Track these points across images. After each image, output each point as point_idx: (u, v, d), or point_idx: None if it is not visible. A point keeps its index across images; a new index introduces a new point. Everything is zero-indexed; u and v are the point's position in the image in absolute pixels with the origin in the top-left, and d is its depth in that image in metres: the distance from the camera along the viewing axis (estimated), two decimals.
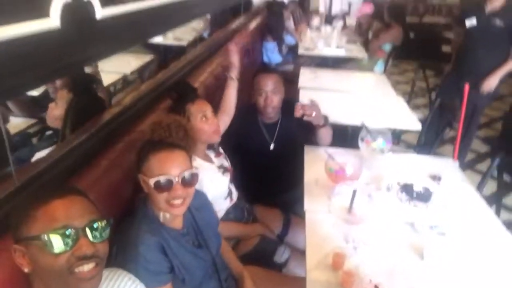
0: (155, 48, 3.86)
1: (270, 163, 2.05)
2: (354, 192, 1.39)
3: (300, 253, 1.69)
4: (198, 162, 1.59)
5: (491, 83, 3.13)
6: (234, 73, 2.03)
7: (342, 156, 1.73)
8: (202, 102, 1.66)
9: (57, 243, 0.79)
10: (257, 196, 1.98)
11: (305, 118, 1.86)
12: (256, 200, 1.97)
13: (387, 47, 4.53)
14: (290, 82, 3.08)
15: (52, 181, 1.20)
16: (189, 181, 1.19)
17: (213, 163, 1.72)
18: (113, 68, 2.96)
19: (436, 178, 1.85)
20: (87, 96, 1.67)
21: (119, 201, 1.31)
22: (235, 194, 1.81)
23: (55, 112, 1.62)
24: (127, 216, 1.27)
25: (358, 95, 3.05)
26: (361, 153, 1.89)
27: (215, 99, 2.39)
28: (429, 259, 1.32)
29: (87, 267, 0.82)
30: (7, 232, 0.92)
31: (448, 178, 1.85)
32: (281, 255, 1.70)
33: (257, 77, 2.09)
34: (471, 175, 3.41)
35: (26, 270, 0.81)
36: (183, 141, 1.23)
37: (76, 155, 1.35)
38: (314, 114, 1.85)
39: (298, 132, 2.08)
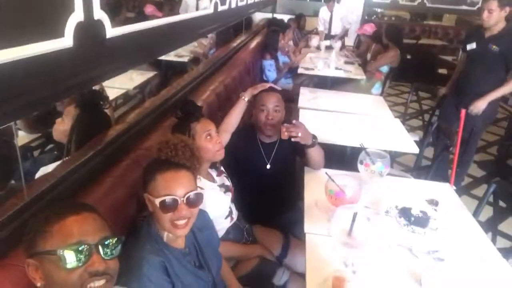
0: (156, 64, 3.91)
1: (267, 183, 2.06)
2: (355, 215, 1.41)
3: (299, 276, 1.70)
4: (202, 182, 1.61)
5: (479, 105, 3.23)
6: (248, 96, 2.05)
7: (341, 178, 1.76)
8: (206, 121, 1.68)
9: (71, 258, 0.81)
10: (256, 216, 1.99)
11: (292, 139, 1.86)
12: (255, 221, 1.98)
13: (385, 69, 4.61)
14: (289, 101, 3.13)
15: (60, 197, 1.21)
16: (194, 201, 1.21)
17: (215, 182, 1.74)
18: (116, 84, 2.99)
19: (433, 202, 1.88)
20: (94, 113, 1.69)
21: (123, 219, 1.32)
22: (235, 213, 1.82)
23: (61, 127, 1.63)
24: (130, 234, 1.28)
25: (356, 116, 3.10)
26: (360, 176, 1.92)
27: (216, 117, 2.43)
28: (427, 286, 1.33)
29: (98, 283, 0.84)
30: (19, 246, 0.94)
31: (445, 203, 1.88)
32: (280, 277, 1.70)
33: (260, 94, 2.12)
34: (467, 200, 3.44)
35: (38, 284, 0.82)
36: (189, 161, 1.25)
37: (82, 172, 1.37)
38: (300, 134, 1.85)
39: (295, 153, 2.11)
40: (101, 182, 1.35)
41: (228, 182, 1.83)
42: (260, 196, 2.02)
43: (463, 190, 3.64)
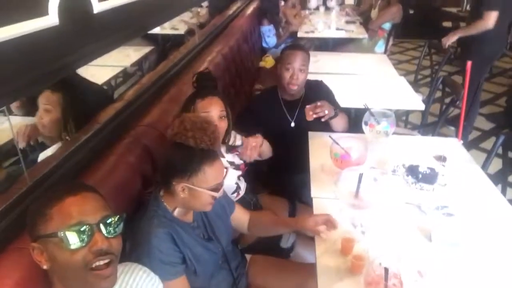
0: (153, 39, 3.83)
1: (290, 142, 2.02)
2: (361, 176, 1.40)
3: (307, 238, 1.70)
4: None
5: (449, 37, 3.43)
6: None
7: (346, 140, 1.73)
8: (212, 101, 1.60)
9: (73, 239, 0.81)
10: (265, 183, 1.98)
11: (322, 119, 1.86)
12: (263, 189, 1.98)
13: (387, 26, 4.47)
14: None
15: (62, 179, 1.21)
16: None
17: (223, 157, 1.73)
18: (113, 62, 2.94)
19: (441, 158, 1.85)
20: (78, 88, 1.63)
21: (128, 196, 1.32)
22: (243, 188, 1.82)
23: (48, 119, 1.48)
24: (136, 211, 1.28)
25: (360, 77, 3.03)
26: (365, 137, 1.89)
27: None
28: (437, 241, 1.33)
29: (103, 261, 0.84)
30: (24, 230, 0.95)
31: (453, 158, 1.85)
32: (287, 240, 1.72)
33: (286, 51, 2.08)
34: (475, 154, 3.41)
35: (44, 267, 0.83)
36: (219, 146, 1.26)
37: (84, 152, 1.36)
38: (326, 112, 1.84)
39: None
40: (104, 161, 1.34)
41: (239, 161, 1.82)
42: (279, 158, 1.99)
43: (471, 144, 3.60)
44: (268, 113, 2.08)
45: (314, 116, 1.83)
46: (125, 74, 3.33)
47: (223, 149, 1.77)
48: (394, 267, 1.07)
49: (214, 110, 1.59)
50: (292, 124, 2.11)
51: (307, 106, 1.86)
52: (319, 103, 1.85)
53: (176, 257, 1.20)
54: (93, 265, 0.83)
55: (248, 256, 1.62)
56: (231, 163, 1.76)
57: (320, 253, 1.31)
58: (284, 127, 2.11)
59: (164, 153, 1.23)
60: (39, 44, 1.12)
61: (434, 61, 3.96)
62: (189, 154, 1.17)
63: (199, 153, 1.17)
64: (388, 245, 1.34)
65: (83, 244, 0.82)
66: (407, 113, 3.65)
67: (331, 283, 1.20)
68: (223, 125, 1.62)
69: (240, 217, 1.50)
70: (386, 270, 1.00)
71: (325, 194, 1.59)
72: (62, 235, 0.80)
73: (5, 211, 1.00)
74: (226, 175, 1.27)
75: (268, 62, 4.14)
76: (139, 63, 3.53)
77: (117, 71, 3.04)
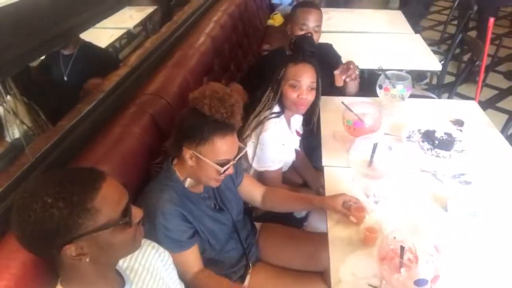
0: None
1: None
2: (375, 145, 1.34)
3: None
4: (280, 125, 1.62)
5: None
6: None
7: (359, 106, 1.65)
8: (303, 68, 1.54)
9: (127, 219, 0.80)
10: None
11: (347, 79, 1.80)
12: None
13: None
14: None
15: (65, 153, 1.18)
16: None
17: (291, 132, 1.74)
18: (116, 24, 2.83)
19: (458, 123, 1.78)
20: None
21: (135, 168, 1.28)
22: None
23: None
24: (144, 183, 1.25)
25: (373, 36, 2.88)
26: (379, 101, 1.81)
27: (223, 51, 2.30)
28: (454, 211, 1.29)
29: (142, 229, 0.90)
30: None
31: (471, 122, 1.77)
32: (301, 210, 1.69)
33: (300, 10, 1.97)
34: (492, 113, 3.29)
35: (87, 260, 0.78)
36: (239, 123, 1.18)
37: (87, 124, 1.32)
38: (357, 72, 1.79)
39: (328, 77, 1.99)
40: (108, 133, 1.29)
41: (298, 147, 1.81)
42: None
43: (487, 104, 3.48)
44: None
45: (348, 79, 1.75)
46: (129, 36, 3.23)
47: (300, 121, 1.76)
48: (409, 241, 1.04)
49: (305, 79, 1.53)
50: None
51: (336, 71, 1.78)
52: (350, 65, 1.77)
53: (184, 233, 1.19)
54: (138, 237, 0.87)
55: (258, 225, 1.60)
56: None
57: (332, 224, 1.29)
58: None
59: (179, 115, 1.20)
60: (38, 10, 1.05)
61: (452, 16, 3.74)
62: (201, 121, 1.13)
63: (212, 123, 1.13)
64: (401, 216, 1.30)
65: (131, 221, 0.82)
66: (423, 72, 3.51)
67: (343, 254, 1.18)
68: (310, 97, 1.57)
69: (250, 189, 1.46)
70: (402, 248, 0.96)
71: (337, 162, 1.54)
72: (118, 221, 0.79)
73: (8, 189, 0.97)
74: (240, 155, 1.22)
75: (276, 19, 3.96)
76: (143, 24, 3.41)
77: (121, 33, 2.94)
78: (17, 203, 0.75)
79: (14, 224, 0.75)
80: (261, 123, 1.57)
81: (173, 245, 1.15)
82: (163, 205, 1.14)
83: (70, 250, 0.75)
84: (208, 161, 1.14)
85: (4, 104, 1.20)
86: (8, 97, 1.41)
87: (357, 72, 1.80)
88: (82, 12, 1.24)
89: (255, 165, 1.60)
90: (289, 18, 2.03)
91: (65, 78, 1.73)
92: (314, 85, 1.57)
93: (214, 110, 1.11)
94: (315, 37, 1.91)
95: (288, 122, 1.71)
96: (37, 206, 0.72)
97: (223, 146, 1.14)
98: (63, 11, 1.18)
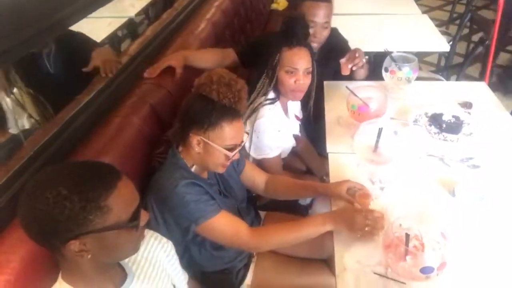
0: None
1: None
2: (380, 130, 1.30)
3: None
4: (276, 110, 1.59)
5: None
6: None
7: (364, 90, 1.61)
8: (302, 53, 1.49)
9: (136, 223, 0.79)
10: None
11: (354, 68, 1.73)
12: None
13: None
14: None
15: (65, 145, 1.17)
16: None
17: (288, 117, 1.71)
18: (117, 13, 2.81)
19: (466, 105, 1.73)
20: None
21: (136, 158, 1.28)
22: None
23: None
24: (146, 174, 1.24)
25: (379, 17, 2.81)
26: (385, 84, 1.77)
27: (224, 37, 2.26)
28: (461, 196, 1.26)
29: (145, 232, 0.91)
30: None
31: (480, 104, 1.73)
32: (305, 197, 1.68)
33: (307, 4, 1.79)
34: (501, 97, 3.21)
35: (89, 257, 0.77)
36: (244, 108, 1.20)
37: (87, 114, 1.30)
38: (364, 60, 1.73)
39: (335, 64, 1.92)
40: (108, 124, 1.28)
41: (298, 132, 1.78)
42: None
43: (496, 86, 3.39)
44: None
45: (354, 68, 1.70)
46: (130, 25, 3.19)
47: (298, 106, 1.72)
48: (415, 228, 1.02)
49: (301, 64, 1.50)
50: None
51: (343, 60, 1.72)
52: (356, 54, 1.70)
53: (208, 196, 1.17)
54: (139, 237, 0.86)
55: (262, 214, 1.59)
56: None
57: None
58: None
59: (185, 102, 1.18)
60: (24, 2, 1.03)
61: None
62: (210, 106, 1.13)
63: (220, 108, 1.13)
64: (408, 202, 1.27)
65: (138, 224, 0.81)
66: (430, 53, 3.43)
67: (347, 242, 1.16)
68: (307, 81, 1.54)
69: (253, 176, 1.45)
70: (407, 236, 0.94)
71: (342, 148, 1.52)
72: (128, 223, 0.77)
73: (8, 182, 0.96)
74: (246, 140, 1.23)
75: (280, 3, 3.89)
76: (145, 12, 3.37)
77: (122, 22, 2.91)
78: (29, 188, 0.73)
79: (22, 209, 0.73)
80: (255, 110, 1.54)
81: (206, 210, 1.14)
82: (177, 181, 1.13)
83: (74, 245, 0.74)
84: (217, 146, 1.15)
85: (12, 95, 1.18)
86: (15, 89, 1.40)
87: (364, 60, 1.73)
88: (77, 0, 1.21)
89: (252, 153, 1.58)
90: (295, 6, 1.90)
91: (51, 71, 1.70)
92: (310, 69, 1.53)
93: (222, 95, 1.11)
94: (324, 33, 1.83)
95: (285, 108, 1.68)
96: (50, 195, 0.70)
97: (231, 131, 1.15)
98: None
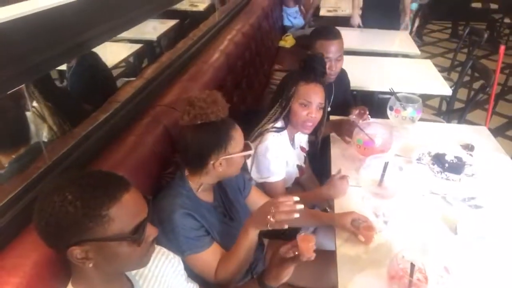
0: (170, 15, 3.76)
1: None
2: (386, 164, 1.35)
3: (328, 225, 1.67)
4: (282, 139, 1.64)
5: None
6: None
7: (370, 126, 1.67)
8: (317, 89, 1.57)
9: (140, 236, 0.79)
10: None
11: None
12: None
13: (414, 6, 4.29)
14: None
15: (81, 158, 1.20)
16: None
17: (294, 148, 1.75)
18: (138, 35, 2.92)
19: (468, 147, 1.78)
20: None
21: (147, 177, 1.29)
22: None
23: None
24: (155, 193, 1.26)
25: (384, 59, 2.93)
26: (390, 122, 1.83)
27: (236, 68, 2.34)
28: (463, 234, 1.28)
29: (154, 247, 0.90)
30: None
31: (481, 147, 1.78)
32: (308, 227, 1.69)
33: (320, 41, 1.95)
34: (502, 141, 3.28)
35: (90, 265, 0.78)
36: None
37: (103, 131, 1.34)
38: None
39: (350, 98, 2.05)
40: (122, 142, 1.31)
41: (302, 164, 1.80)
42: (311, 144, 1.92)
43: (497, 132, 3.48)
44: None
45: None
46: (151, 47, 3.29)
47: (305, 138, 1.78)
48: (419, 261, 1.04)
49: (315, 98, 1.56)
50: (329, 108, 2.04)
51: (352, 117, 1.82)
52: (362, 111, 1.85)
53: (200, 231, 1.19)
54: (149, 252, 0.87)
55: (266, 241, 1.60)
56: (298, 160, 1.77)
57: (340, 242, 1.28)
58: None
59: (190, 139, 1.19)
60: (56, 20, 1.09)
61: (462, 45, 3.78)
62: (216, 128, 1.18)
63: (223, 124, 1.19)
64: (411, 236, 1.29)
65: (144, 238, 0.81)
66: (431, 97, 3.53)
67: (351, 274, 1.17)
68: (318, 115, 1.59)
69: (258, 201, 1.46)
70: (412, 265, 0.96)
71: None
72: (130, 236, 0.78)
73: (25, 190, 0.99)
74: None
75: (288, 41, 4.05)
76: (157, 40, 3.49)
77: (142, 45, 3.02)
78: (44, 191, 0.77)
79: (35, 211, 0.76)
80: (261, 134, 1.60)
81: (194, 245, 1.15)
82: (176, 208, 1.15)
83: (76, 251, 0.76)
84: (238, 155, 1.22)
85: (33, 109, 1.23)
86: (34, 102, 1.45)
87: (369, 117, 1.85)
88: (102, 22, 1.28)
89: (254, 175, 1.61)
90: (308, 44, 2.02)
91: (69, 87, 1.76)
92: (323, 105, 1.60)
93: (217, 113, 1.17)
94: (338, 65, 1.97)
95: (292, 138, 1.72)
96: (57, 199, 0.73)
97: (240, 136, 1.24)
98: (82, 22, 1.22)
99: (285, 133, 1.64)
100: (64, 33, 1.13)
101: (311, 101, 1.56)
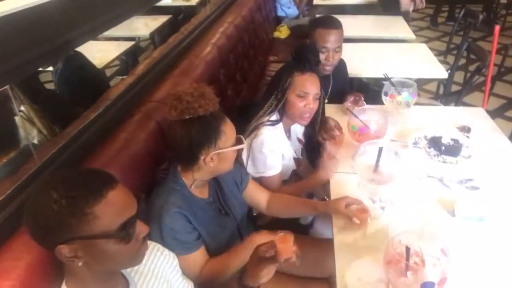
0: (164, 11, 3.74)
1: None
2: (380, 149, 1.33)
3: (326, 214, 1.66)
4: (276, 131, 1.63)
5: None
6: None
7: (365, 112, 1.66)
8: (312, 80, 1.56)
9: (128, 234, 0.78)
10: None
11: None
12: None
13: None
14: (307, 37, 2.95)
15: (72, 157, 1.19)
16: None
17: (289, 139, 1.74)
18: (129, 32, 2.92)
19: (465, 129, 1.76)
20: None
21: (141, 174, 1.29)
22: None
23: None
24: (149, 189, 1.26)
25: (377, 45, 2.90)
26: (385, 108, 1.81)
27: (229, 61, 2.33)
28: (461, 216, 1.27)
29: (147, 245, 0.88)
30: None
31: (478, 129, 1.76)
32: (306, 217, 1.68)
33: (319, 30, 1.91)
34: (501, 122, 3.26)
35: (80, 264, 0.78)
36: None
37: (94, 129, 1.33)
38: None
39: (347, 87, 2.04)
40: (114, 139, 1.31)
41: (299, 156, 1.79)
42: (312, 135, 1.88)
43: (496, 113, 3.46)
44: None
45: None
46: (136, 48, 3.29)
47: (302, 129, 1.79)
48: (416, 244, 1.03)
49: (312, 89, 1.55)
50: (326, 100, 2.03)
51: (348, 104, 1.83)
52: (357, 97, 1.86)
53: (191, 234, 1.19)
54: (142, 251, 0.85)
55: None
56: (295, 152, 1.76)
57: (338, 230, 1.27)
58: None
59: (179, 135, 1.16)
60: (42, 18, 1.08)
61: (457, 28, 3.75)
62: (205, 123, 1.15)
63: (212, 118, 1.16)
64: (408, 221, 1.29)
65: (133, 236, 0.80)
66: (429, 81, 3.51)
67: (349, 260, 1.16)
68: (315, 106, 1.58)
69: (255, 194, 1.46)
70: (407, 249, 0.95)
71: (342, 168, 1.53)
72: (116, 234, 0.76)
73: (16, 192, 0.98)
74: None
75: (283, 32, 4.02)
76: (151, 36, 3.48)
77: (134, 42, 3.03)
78: (33, 190, 0.77)
79: (24, 210, 0.76)
80: (256, 128, 1.58)
81: (180, 247, 1.15)
82: (169, 207, 1.14)
83: (64, 250, 0.75)
84: (229, 149, 1.20)
85: (21, 112, 1.22)
86: (22, 107, 1.44)
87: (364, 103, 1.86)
88: (89, 20, 1.26)
89: (250, 170, 1.60)
90: (308, 33, 2.00)
91: (56, 88, 1.75)
92: (319, 95, 1.59)
93: (206, 107, 1.13)
94: (336, 56, 1.93)
95: (288, 130, 1.71)
96: (43, 197, 0.73)
97: (231, 129, 1.21)
98: (68, 20, 1.21)
99: (280, 125, 1.63)
100: (45, 32, 1.11)
101: (308, 91, 1.54)
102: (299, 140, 1.82)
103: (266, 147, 1.55)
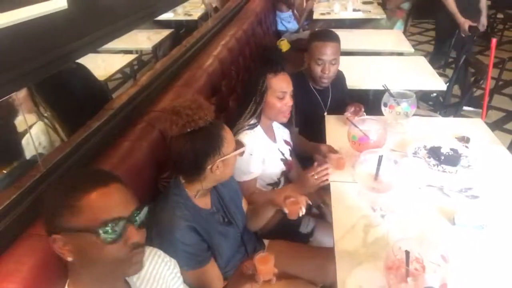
0: (166, 25, 3.79)
1: (323, 129, 1.93)
2: (380, 158, 1.35)
3: (327, 222, 1.67)
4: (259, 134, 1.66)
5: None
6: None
7: (364, 122, 1.68)
8: (285, 79, 1.63)
9: (109, 234, 0.77)
10: None
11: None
12: None
13: (406, 6, 4.32)
14: (306, 50, 3.00)
15: (76, 165, 1.20)
16: None
17: (275, 142, 1.76)
18: (132, 45, 2.95)
19: (464, 140, 1.78)
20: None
21: (143, 182, 1.30)
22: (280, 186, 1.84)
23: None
24: (152, 198, 1.27)
25: (378, 58, 2.94)
26: (384, 118, 1.83)
27: (230, 73, 2.36)
28: (461, 224, 1.28)
29: (141, 256, 0.85)
30: (38, 217, 0.95)
31: (477, 139, 1.78)
32: (306, 226, 1.69)
33: (315, 43, 1.97)
34: (500, 135, 3.28)
35: (69, 259, 0.78)
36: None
37: (98, 138, 1.35)
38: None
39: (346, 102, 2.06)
40: (117, 147, 1.32)
41: (288, 157, 1.81)
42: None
43: (495, 125, 3.48)
44: (302, 97, 1.95)
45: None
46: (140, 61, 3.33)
47: (287, 133, 1.83)
48: (416, 251, 1.03)
49: (289, 87, 1.63)
50: (325, 113, 2.08)
51: (348, 114, 1.85)
52: (357, 108, 1.89)
53: (201, 246, 1.20)
54: (134, 259, 0.82)
55: (266, 242, 1.60)
56: (282, 154, 1.77)
57: (338, 238, 1.28)
58: (319, 112, 2.10)
59: (184, 148, 1.16)
60: (47, 29, 1.11)
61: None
62: (207, 133, 1.17)
63: (212, 127, 1.19)
64: (408, 229, 1.29)
65: (119, 239, 0.78)
66: (428, 93, 3.54)
67: (349, 267, 1.17)
68: (291, 102, 1.65)
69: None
70: (407, 253, 0.96)
71: (343, 177, 1.55)
72: (97, 230, 0.75)
73: (20, 198, 0.99)
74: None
75: (283, 46, 4.07)
76: (153, 50, 3.52)
77: (137, 55, 3.05)
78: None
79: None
80: (235, 134, 1.59)
81: (193, 261, 1.16)
82: (177, 221, 1.15)
83: (57, 241, 0.78)
84: (233, 154, 1.23)
85: (45, 119, 1.24)
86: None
87: (364, 114, 1.90)
88: (93, 31, 1.30)
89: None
90: (306, 46, 2.05)
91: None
92: (292, 92, 1.66)
93: (205, 117, 1.16)
94: (332, 68, 1.97)
95: (271, 132, 1.75)
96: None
97: (230, 135, 1.25)
98: (73, 31, 1.24)
99: (258, 128, 1.66)
100: (48, 43, 1.14)
101: (286, 91, 1.62)
102: (286, 142, 1.84)
103: (245, 151, 1.56)
